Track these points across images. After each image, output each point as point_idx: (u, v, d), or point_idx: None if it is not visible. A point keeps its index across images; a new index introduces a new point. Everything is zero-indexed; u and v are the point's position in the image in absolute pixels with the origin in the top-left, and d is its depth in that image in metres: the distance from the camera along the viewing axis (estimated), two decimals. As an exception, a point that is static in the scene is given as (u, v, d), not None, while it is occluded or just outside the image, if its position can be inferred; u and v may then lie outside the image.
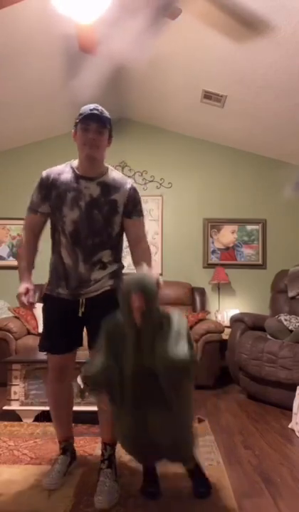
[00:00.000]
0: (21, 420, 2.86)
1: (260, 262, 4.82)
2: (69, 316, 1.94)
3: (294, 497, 1.86)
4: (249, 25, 2.79)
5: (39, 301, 4.52)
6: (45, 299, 2.04)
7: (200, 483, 1.88)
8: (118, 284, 1.91)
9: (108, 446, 1.95)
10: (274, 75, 3.40)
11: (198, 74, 3.71)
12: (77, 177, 1.94)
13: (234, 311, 4.37)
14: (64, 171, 1.98)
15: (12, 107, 4.10)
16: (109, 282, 1.96)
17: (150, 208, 4.85)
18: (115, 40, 2.95)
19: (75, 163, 1.99)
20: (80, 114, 1.89)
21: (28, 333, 4.06)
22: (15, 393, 2.92)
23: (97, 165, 1.95)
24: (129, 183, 2.01)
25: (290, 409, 2.84)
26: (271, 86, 3.55)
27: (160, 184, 4.96)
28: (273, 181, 4.78)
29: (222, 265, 4.74)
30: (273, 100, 3.77)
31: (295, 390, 2.86)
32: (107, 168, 2.01)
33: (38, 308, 4.24)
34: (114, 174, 2.02)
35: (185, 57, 3.51)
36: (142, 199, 2.08)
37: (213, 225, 4.88)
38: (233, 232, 4.88)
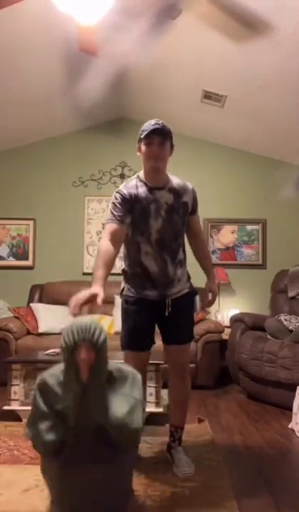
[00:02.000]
0: (21, 420, 2.85)
1: (260, 262, 4.82)
2: (155, 316, 2.13)
3: (294, 497, 1.87)
4: (249, 25, 2.79)
5: (39, 302, 4.54)
6: (130, 301, 2.14)
7: None
8: (193, 287, 2.23)
9: (180, 429, 2.22)
10: (274, 75, 3.40)
11: (198, 74, 3.71)
12: (151, 189, 2.09)
13: (234, 311, 4.37)
14: (138, 185, 2.10)
15: (12, 107, 4.10)
16: (188, 285, 2.20)
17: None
18: (117, 41, 2.95)
19: (141, 175, 2.13)
20: (143, 130, 2.04)
21: (28, 333, 4.06)
22: (15, 393, 2.92)
23: (162, 174, 2.12)
24: (189, 184, 2.22)
25: (290, 409, 2.84)
26: (271, 86, 3.55)
27: (160, 184, 4.95)
28: (273, 181, 4.76)
29: (222, 265, 4.74)
30: (273, 100, 3.77)
31: (295, 390, 2.86)
32: (168, 176, 2.17)
33: (40, 309, 4.26)
34: (175, 179, 2.19)
35: (185, 57, 3.50)
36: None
37: (213, 225, 4.88)
38: (233, 232, 4.87)
